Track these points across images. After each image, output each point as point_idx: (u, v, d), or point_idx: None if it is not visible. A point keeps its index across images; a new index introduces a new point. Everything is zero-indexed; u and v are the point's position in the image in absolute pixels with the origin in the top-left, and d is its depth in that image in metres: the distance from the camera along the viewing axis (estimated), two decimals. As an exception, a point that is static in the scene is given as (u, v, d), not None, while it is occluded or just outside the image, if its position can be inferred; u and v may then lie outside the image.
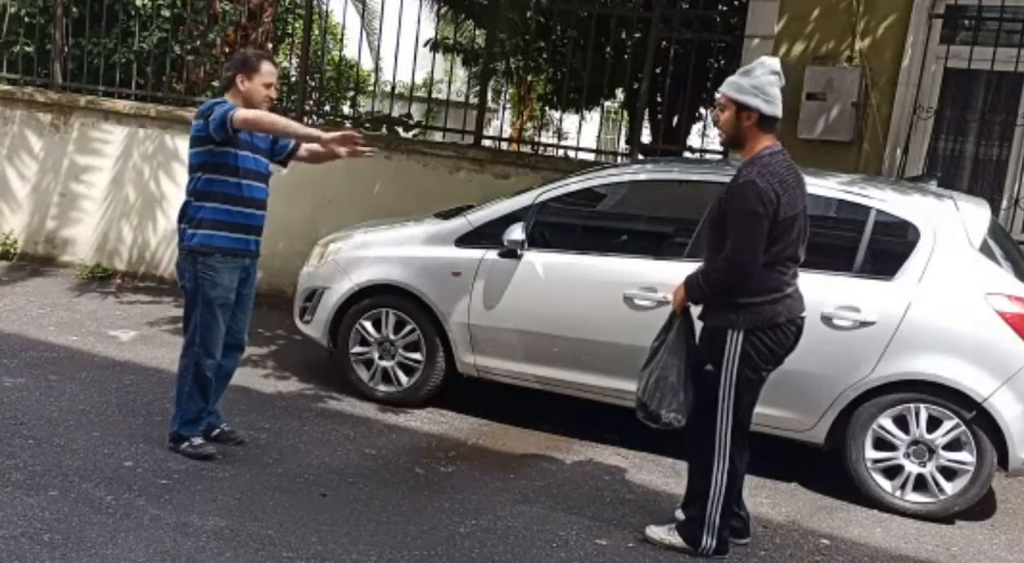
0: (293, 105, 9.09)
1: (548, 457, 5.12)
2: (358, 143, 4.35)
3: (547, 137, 13.91)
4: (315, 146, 4.61)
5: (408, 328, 5.59)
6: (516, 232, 5.26)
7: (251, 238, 4.59)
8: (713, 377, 3.87)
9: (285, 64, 12.33)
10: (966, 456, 4.66)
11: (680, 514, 4.17)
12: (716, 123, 4.00)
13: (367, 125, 8.97)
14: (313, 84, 9.81)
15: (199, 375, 4.58)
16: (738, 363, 3.82)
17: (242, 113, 4.29)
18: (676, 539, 4.06)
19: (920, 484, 4.74)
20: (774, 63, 3.87)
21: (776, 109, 3.83)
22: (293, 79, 10.76)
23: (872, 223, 4.91)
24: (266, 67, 4.51)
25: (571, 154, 8.55)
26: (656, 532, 4.13)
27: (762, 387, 3.99)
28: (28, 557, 3.47)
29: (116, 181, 8.69)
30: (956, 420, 4.65)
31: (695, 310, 4.03)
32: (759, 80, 3.80)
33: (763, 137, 3.85)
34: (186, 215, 4.53)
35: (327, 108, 10.03)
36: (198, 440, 4.60)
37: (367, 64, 12.59)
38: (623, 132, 11.72)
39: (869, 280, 4.85)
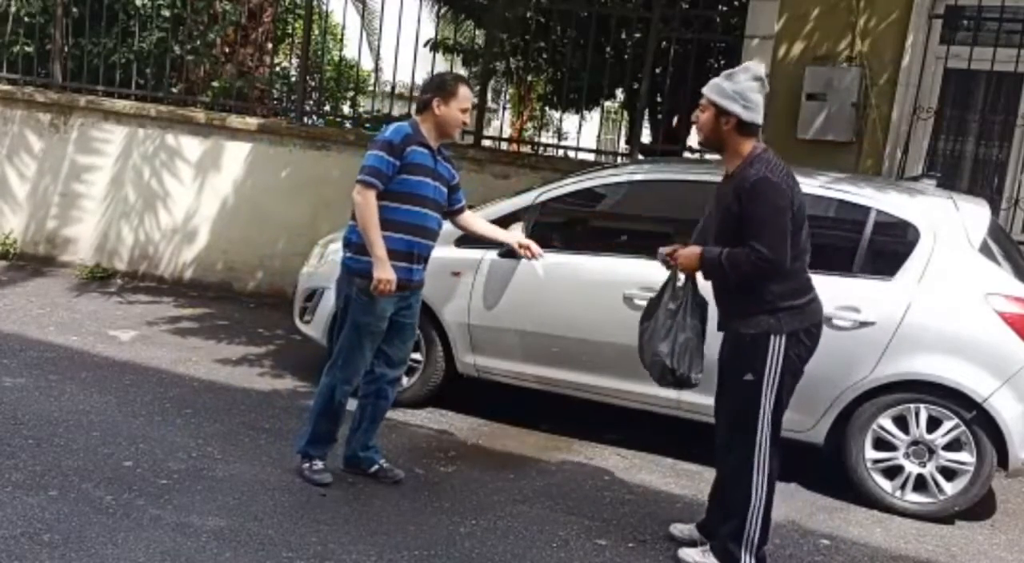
0: (293, 105, 9.09)
1: (548, 457, 5.12)
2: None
3: (547, 137, 13.90)
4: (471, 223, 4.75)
5: (408, 328, 5.59)
6: (516, 232, 5.26)
7: (413, 267, 4.34)
8: (754, 386, 3.71)
9: (285, 64, 12.33)
10: (966, 456, 4.66)
11: (680, 529, 4.16)
12: (695, 123, 3.92)
13: (367, 125, 8.97)
14: (313, 84, 9.80)
15: (333, 399, 4.40)
16: (781, 368, 3.68)
17: (359, 193, 4.15)
18: (712, 561, 3.90)
19: (920, 484, 4.74)
20: (758, 69, 3.79)
21: (755, 116, 3.74)
22: (293, 79, 10.75)
23: (872, 223, 4.91)
24: (463, 91, 4.30)
25: (571, 154, 8.55)
26: (690, 555, 3.98)
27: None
28: (28, 557, 3.47)
29: (116, 181, 8.70)
30: (956, 420, 4.65)
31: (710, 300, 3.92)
32: (741, 86, 3.72)
33: (745, 142, 3.76)
34: (348, 236, 4.35)
35: (327, 108, 10.02)
36: (319, 464, 4.45)
37: (367, 64, 12.58)
38: (623, 132, 11.71)
39: (869, 280, 4.85)
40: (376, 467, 4.56)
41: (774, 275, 3.65)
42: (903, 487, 4.76)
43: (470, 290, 5.43)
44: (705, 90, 3.83)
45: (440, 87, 4.33)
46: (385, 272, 4.18)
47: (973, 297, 4.69)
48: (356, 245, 4.30)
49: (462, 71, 12.02)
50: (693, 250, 3.85)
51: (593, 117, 13.48)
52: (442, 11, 10.35)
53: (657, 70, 8.60)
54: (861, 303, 4.75)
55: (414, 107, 4.53)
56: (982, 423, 4.62)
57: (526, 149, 12.25)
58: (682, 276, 3.95)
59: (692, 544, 4.05)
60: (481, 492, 4.55)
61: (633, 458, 5.23)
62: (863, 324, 4.73)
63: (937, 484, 4.71)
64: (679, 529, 4.21)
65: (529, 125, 17.46)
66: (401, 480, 4.55)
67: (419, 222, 4.31)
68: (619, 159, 10.51)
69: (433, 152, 4.33)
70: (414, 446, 5.08)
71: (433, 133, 4.32)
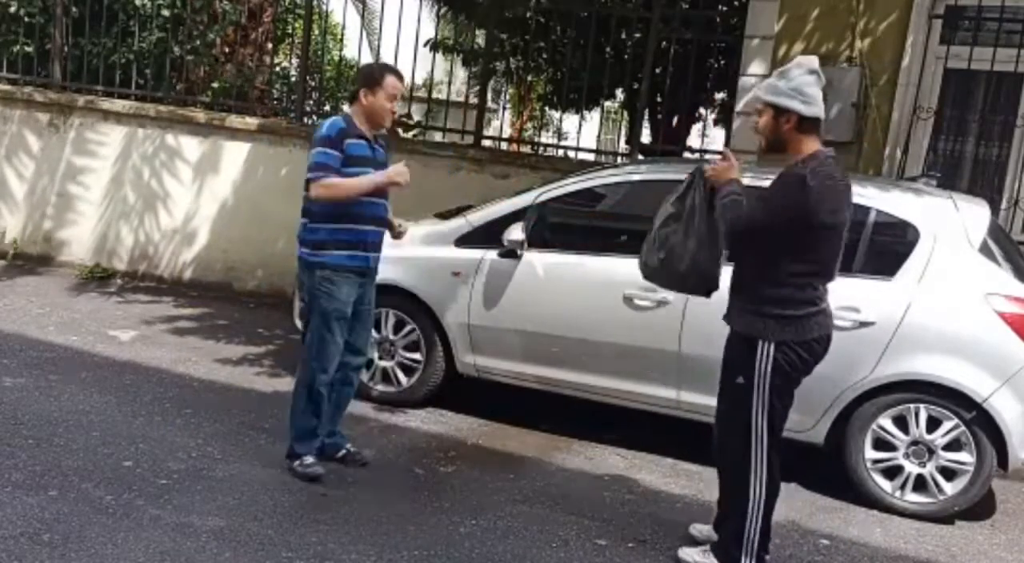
0: (293, 105, 9.09)
1: (548, 457, 5.12)
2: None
3: (547, 137, 13.90)
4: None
5: (408, 328, 5.59)
6: (516, 232, 5.26)
7: (368, 255, 4.49)
8: (744, 390, 3.72)
9: (285, 64, 12.32)
10: (966, 456, 4.66)
11: (699, 529, 4.15)
12: (755, 129, 3.83)
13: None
14: (313, 84, 9.80)
15: (312, 391, 4.48)
16: (770, 374, 3.66)
17: (319, 186, 4.29)
18: (712, 561, 3.90)
19: (920, 484, 4.74)
20: (812, 62, 3.71)
21: (816, 110, 3.67)
22: (293, 79, 10.74)
23: (872, 223, 4.91)
24: (390, 80, 4.41)
25: (571, 154, 8.55)
26: (689, 555, 3.98)
27: (794, 394, 3.82)
28: (28, 557, 3.47)
29: (115, 181, 8.70)
30: (956, 420, 4.65)
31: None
32: (796, 82, 3.65)
33: (807, 140, 3.68)
34: (302, 234, 4.46)
35: (327, 108, 10.02)
36: (309, 459, 4.50)
37: (367, 64, 12.58)
38: (623, 132, 11.71)
39: (869, 280, 4.85)
40: (343, 452, 4.68)
41: (732, 229, 3.65)
42: (903, 487, 4.76)
43: (470, 290, 5.43)
44: (759, 93, 3.76)
45: (367, 78, 4.48)
46: (386, 175, 4.37)
47: (973, 297, 4.69)
48: (311, 241, 4.44)
49: (461, 71, 12.05)
50: (731, 165, 3.80)
51: (593, 117, 13.48)
52: (442, 11, 10.34)
53: (657, 70, 8.60)
54: (861, 303, 4.75)
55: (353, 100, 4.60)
56: (982, 423, 4.62)
57: (526, 149, 12.26)
58: (703, 184, 3.87)
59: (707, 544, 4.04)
60: (481, 492, 4.55)
61: (633, 458, 5.23)
62: (863, 324, 4.73)
63: (937, 484, 4.71)
64: (698, 529, 4.19)
65: (529, 125, 17.46)
66: (368, 462, 4.66)
67: (368, 211, 4.44)
68: (619, 159, 10.51)
69: (369, 141, 4.46)
70: (414, 446, 5.08)
71: (365, 123, 4.45)
